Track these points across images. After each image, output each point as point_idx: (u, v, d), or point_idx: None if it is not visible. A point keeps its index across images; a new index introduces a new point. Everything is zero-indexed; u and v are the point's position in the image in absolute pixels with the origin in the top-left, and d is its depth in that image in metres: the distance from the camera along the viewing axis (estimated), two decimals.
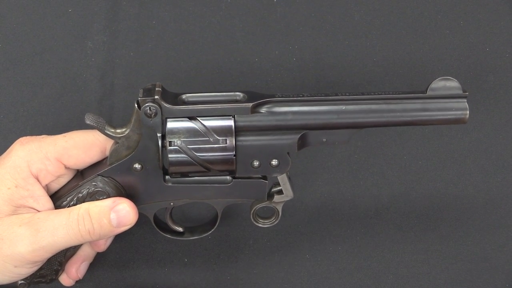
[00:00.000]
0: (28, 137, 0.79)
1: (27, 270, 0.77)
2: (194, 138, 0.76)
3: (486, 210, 0.98)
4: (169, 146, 0.76)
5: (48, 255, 0.76)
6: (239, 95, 0.78)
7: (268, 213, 0.86)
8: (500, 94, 0.96)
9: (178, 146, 0.76)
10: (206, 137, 0.76)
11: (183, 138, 0.76)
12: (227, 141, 0.76)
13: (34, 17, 0.93)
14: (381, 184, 0.97)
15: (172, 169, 0.77)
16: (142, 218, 0.81)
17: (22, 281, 0.82)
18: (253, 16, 0.94)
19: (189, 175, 0.79)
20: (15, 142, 0.79)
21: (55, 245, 0.75)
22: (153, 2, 0.94)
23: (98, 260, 0.93)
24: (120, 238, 0.89)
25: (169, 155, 0.76)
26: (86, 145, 0.79)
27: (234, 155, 0.77)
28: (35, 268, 0.78)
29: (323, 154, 0.96)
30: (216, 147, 0.76)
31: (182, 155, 0.76)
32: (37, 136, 0.80)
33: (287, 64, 0.95)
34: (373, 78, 0.95)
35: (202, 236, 0.87)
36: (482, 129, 0.97)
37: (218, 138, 0.76)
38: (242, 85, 0.94)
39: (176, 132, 0.76)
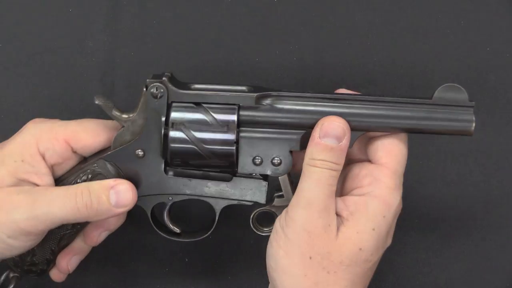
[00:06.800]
0: (42, 118, 0.82)
1: (19, 243, 0.77)
2: (198, 124, 0.77)
3: (486, 210, 0.98)
4: (172, 130, 0.77)
5: (42, 226, 0.76)
6: (246, 88, 0.79)
7: (268, 221, 0.85)
8: (500, 94, 0.96)
9: (181, 131, 0.77)
10: (209, 124, 0.77)
11: (187, 123, 0.77)
12: (230, 130, 0.77)
13: (34, 17, 0.93)
14: None
15: (173, 150, 0.77)
16: (142, 218, 0.81)
17: (15, 274, 0.83)
18: (253, 16, 0.94)
19: (190, 164, 0.79)
20: (28, 122, 0.81)
21: (50, 215, 0.75)
22: (153, 2, 0.94)
23: (98, 260, 0.93)
24: (120, 238, 0.89)
25: (172, 141, 0.77)
26: (95, 131, 0.80)
27: (235, 142, 0.77)
28: (28, 244, 0.78)
29: None
30: (219, 135, 0.77)
31: (185, 139, 0.77)
32: (51, 119, 0.82)
33: (287, 64, 0.95)
34: (373, 77, 0.95)
35: (199, 238, 0.86)
36: (482, 129, 0.96)
37: (222, 126, 0.77)
38: None
39: (180, 117, 0.77)
